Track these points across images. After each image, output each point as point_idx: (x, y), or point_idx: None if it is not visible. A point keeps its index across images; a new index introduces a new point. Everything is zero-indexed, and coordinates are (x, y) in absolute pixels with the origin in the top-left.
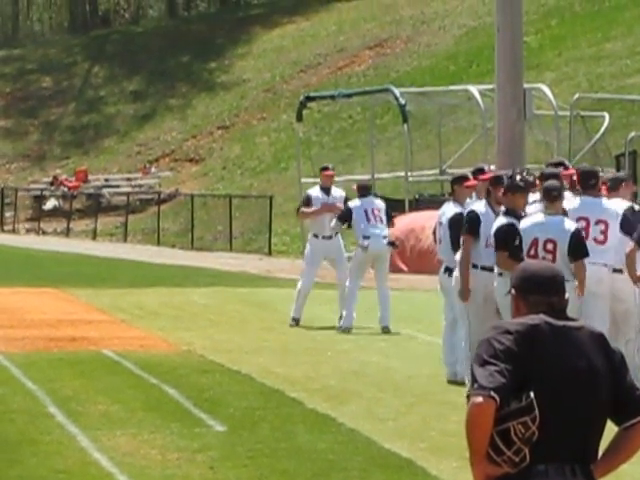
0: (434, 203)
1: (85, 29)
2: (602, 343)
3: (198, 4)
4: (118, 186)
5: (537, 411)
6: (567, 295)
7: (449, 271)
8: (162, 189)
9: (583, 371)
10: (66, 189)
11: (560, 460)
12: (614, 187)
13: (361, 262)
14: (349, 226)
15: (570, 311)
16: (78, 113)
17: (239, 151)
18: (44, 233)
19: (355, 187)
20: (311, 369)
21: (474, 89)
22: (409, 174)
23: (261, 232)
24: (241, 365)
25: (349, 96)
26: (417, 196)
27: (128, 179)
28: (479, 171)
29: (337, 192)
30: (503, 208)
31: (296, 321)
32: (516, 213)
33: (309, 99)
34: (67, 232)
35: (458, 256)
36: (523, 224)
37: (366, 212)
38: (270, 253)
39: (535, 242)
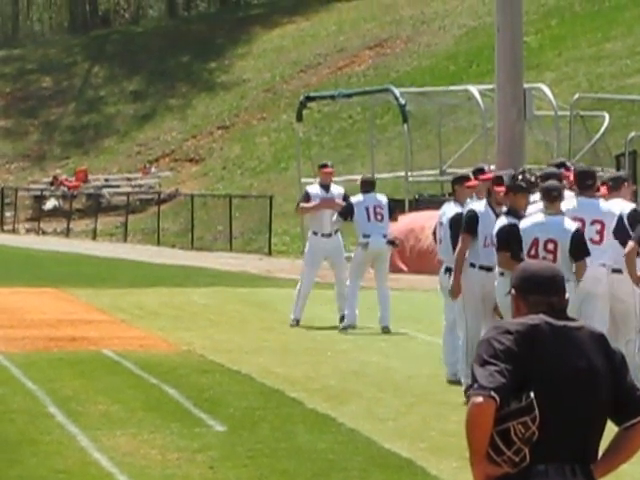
0: (434, 203)
1: (85, 29)
2: (602, 343)
3: (198, 4)
4: (118, 186)
5: (537, 411)
6: (567, 295)
7: (449, 271)
8: (162, 189)
9: (583, 371)
10: (66, 189)
11: (560, 460)
12: (616, 187)
13: (361, 261)
14: (351, 219)
15: (570, 311)
16: (78, 113)
17: (239, 151)
18: (44, 233)
19: (359, 181)
20: (311, 369)
21: (474, 89)
22: (409, 174)
23: (261, 232)
24: (241, 365)
25: (349, 96)
26: (417, 196)
27: (128, 179)
28: (479, 171)
29: (336, 189)
30: (504, 208)
31: (296, 321)
32: (518, 213)
33: (309, 99)
34: (67, 232)
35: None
36: (523, 224)
37: (367, 210)
38: (270, 253)
39: (535, 242)
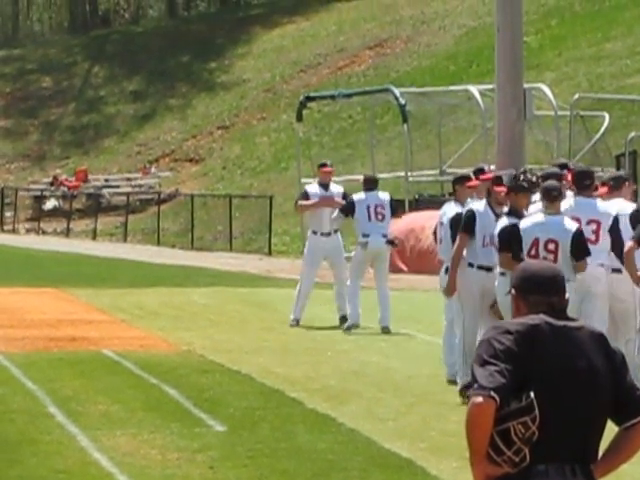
0: (434, 203)
1: (85, 29)
2: (602, 343)
3: (198, 4)
4: (118, 186)
5: (537, 411)
6: (567, 295)
7: None
8: (162, 189)
9: (583, 371)
10: (66, 189)
11: (560, 460)
12: (617, 186)
13: (361, 261)
14: (352, 216)
15: (570, 311)
16: (78, 113)
17: (239, 151)
18: (44, 233)
19: (362, 179)
20: (311, 369)
21: (474, 89)
22: (409, 174)
23: (261, 232)
24: (241, 365)
25: (349, 96)
26: (417, 196)
27: (128, 179)
28: (479, 171)
29: (335, 188)
30: (505, 209)
31: (296, 321)
32: (519, 213)
33: (309, 99)
34: (67, 232)
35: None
36: (523, 224)
37: (369, 209)
38: (270, 253)
39: (536, 242)
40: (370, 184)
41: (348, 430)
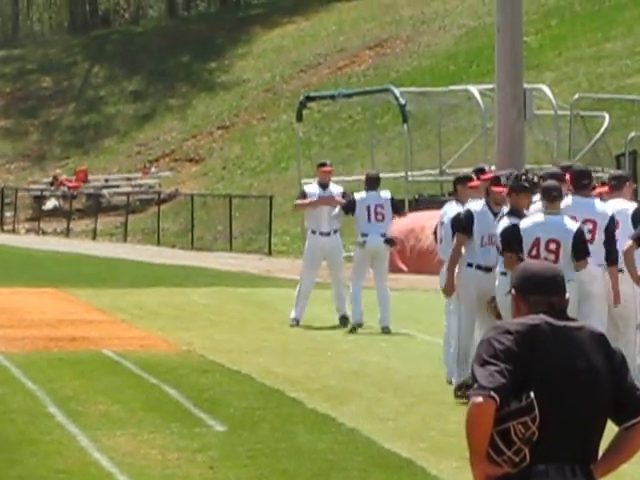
0: (434, 203)
1: (85, 29)
2: (602, 343)
3: (198, 4)
4: (118, 186)
5: (537, 411)
6: (567, 295)
7: None
8: (162, 189)
9: (583, 371)
10: (66, 189)
11: (560, 460)
12: (618, 186)
13: (360, 260)
14: (352, 214)
15: (570, 311)
16: (78, 113)
17: (239, 151)
18: (44, 233)
19: (364, 177)
20: (311, 369)
21: (474, 89)
22: (409, 174)
23: (261, 232)
24: (241, 365)
25: (349, 96)
26: (417, 196)
27: (128, 179)
28: (480, 171)
29: (335, 188)
30: (505, 209)
31: (296, 321)
32: (520, 214)
33: (309, 99)
34: (67, 232)
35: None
36: (524, 224)
37: (369, 209)
38: (270, 253)
39: (537, 242)
40: (372, 183)
41: (348, 430)
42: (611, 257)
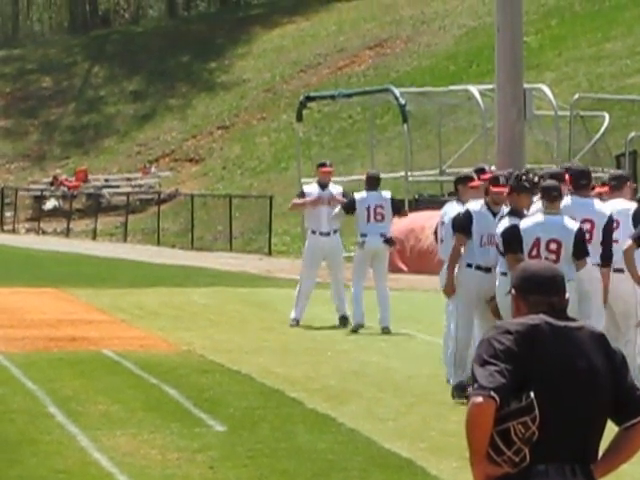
0: (434, 203)
1: (85, 29)
2: (602, 343)
3: (198, 4)
4: (118, 186)
5: (537, 411)
6: (567, 295)
7: None
8: (162, 189)
9: (583, 371)
10: (66, 189)
11: (560, 460)
12: (619, 186)
13: (360, 261)
14: (353, 214)
15: (570, 311)
16: (78, 113)
17: (239, 151)
18: (44, 233)
19: (364, 177)
20: (311, 369)
21: (474, 89)
22: (409, 174)
23: (261, 232)
24: (241, 365)
25: (349, 96)
26: (417, 196)
27: (128, 179)
28: (480, 171)
29: (335, 189)
30: (505, 209)
31: (296, 321)
32: (521, 214)
33: (309, 99)
34: (67, 232)
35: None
36: (524, 224)
37: (368, 209)
38: (270, 253)
39: (537, 242)
40: (372, 183)
41: (348, 430)
42: (605, 257)
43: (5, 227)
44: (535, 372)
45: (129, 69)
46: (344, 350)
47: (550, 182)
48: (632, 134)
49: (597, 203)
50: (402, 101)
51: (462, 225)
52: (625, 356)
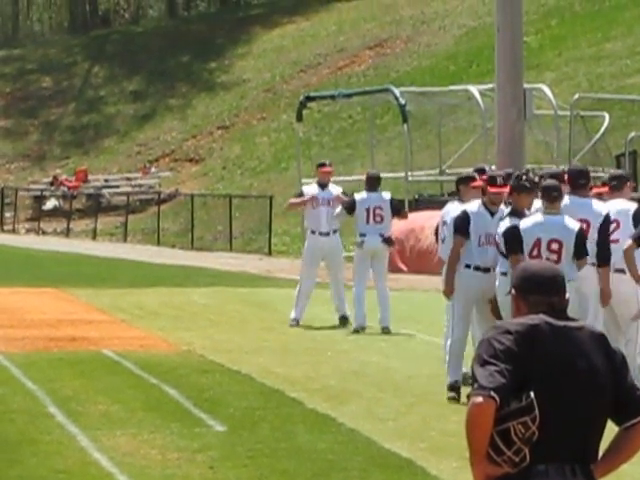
0: (434, 203)
1: (85, 29)
2: (603, 343)
3: (198, 4)
4: (118, 186)
5: (537, 411)
6: (567, 295)
7: None
8: (162, 189)
9: (583, 371)
10: (66, 189)
11: (560, 460)
12: (619, 186)
13: (360, 261)
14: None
15: (570, 311)
16: (78, 113)
17: (239, 151)
18: (44, 233)
19: (365, 177)
20: (311, 369)
21: (474, 89)
22: (409, 174)
23: (261, 232)
24: (241, 365)
25: (349, 96)
26: (417, 196)
27: (128, 179)
28: (480, 171)
29: (334, 189)
30: (505, 209)
31: (296, 321)
32: (521, 214)
33: (309, 99)
34: (67, 232)
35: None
36: (524, 224)
37: (367, 211)
38: (270, 253)
39: (538, 242)
40: (372, 183)
41: (348, 430)
42: (602, 257)
43: (5, 227)
44: (535, 372)
45: (129, 69)
46: (344, 350)
47: (550, 182)
48: (632, 134)
49: (595, 203)
50: (402, 101)
51: (460, 226)
52: (625, 356)
